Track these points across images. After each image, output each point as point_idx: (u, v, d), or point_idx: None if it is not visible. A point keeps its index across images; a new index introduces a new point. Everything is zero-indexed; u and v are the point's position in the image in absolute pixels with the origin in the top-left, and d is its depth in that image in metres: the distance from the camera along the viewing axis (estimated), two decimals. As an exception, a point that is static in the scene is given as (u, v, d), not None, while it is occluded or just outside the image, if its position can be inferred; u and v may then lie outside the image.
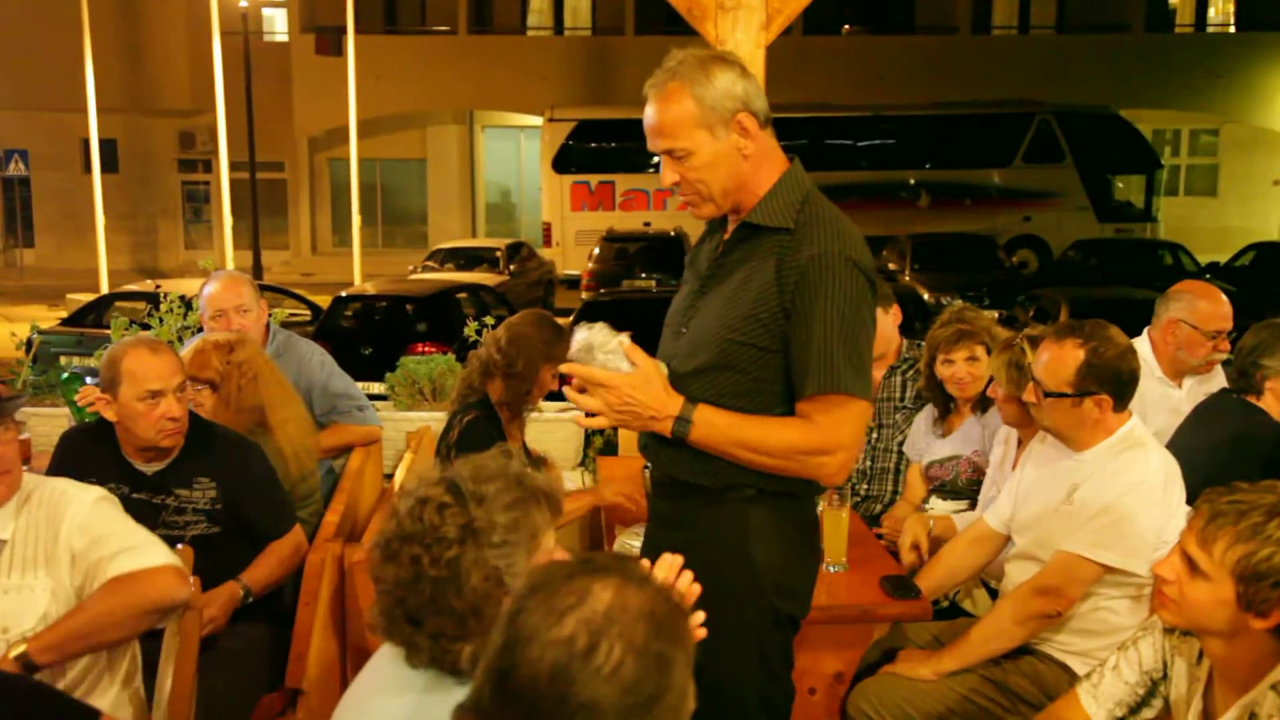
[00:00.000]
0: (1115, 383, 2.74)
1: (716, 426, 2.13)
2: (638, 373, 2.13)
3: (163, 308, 5.38)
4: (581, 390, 2.15)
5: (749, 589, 2.16)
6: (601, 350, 2.13)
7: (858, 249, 2.15)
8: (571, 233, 21.15)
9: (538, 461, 3.60)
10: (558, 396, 6.29)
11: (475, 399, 3.45)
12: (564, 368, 2.16)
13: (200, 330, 4.28)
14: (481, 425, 3.35)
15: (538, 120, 23.42)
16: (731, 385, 2.17)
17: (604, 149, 21.72)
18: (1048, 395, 2.78)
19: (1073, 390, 2.75)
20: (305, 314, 12.91)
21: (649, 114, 2.19)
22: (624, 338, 2.15)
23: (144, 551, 2.30)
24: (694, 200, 2.23)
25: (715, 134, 2.16)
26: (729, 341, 2.15)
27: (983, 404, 3.78)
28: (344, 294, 11.86)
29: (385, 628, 1.62)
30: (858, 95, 22.23)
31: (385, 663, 1.64)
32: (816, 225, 2.15)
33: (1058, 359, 2.77)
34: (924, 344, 4.01)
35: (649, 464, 2.33)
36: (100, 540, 2.30)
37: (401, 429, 4.69)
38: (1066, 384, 2.76)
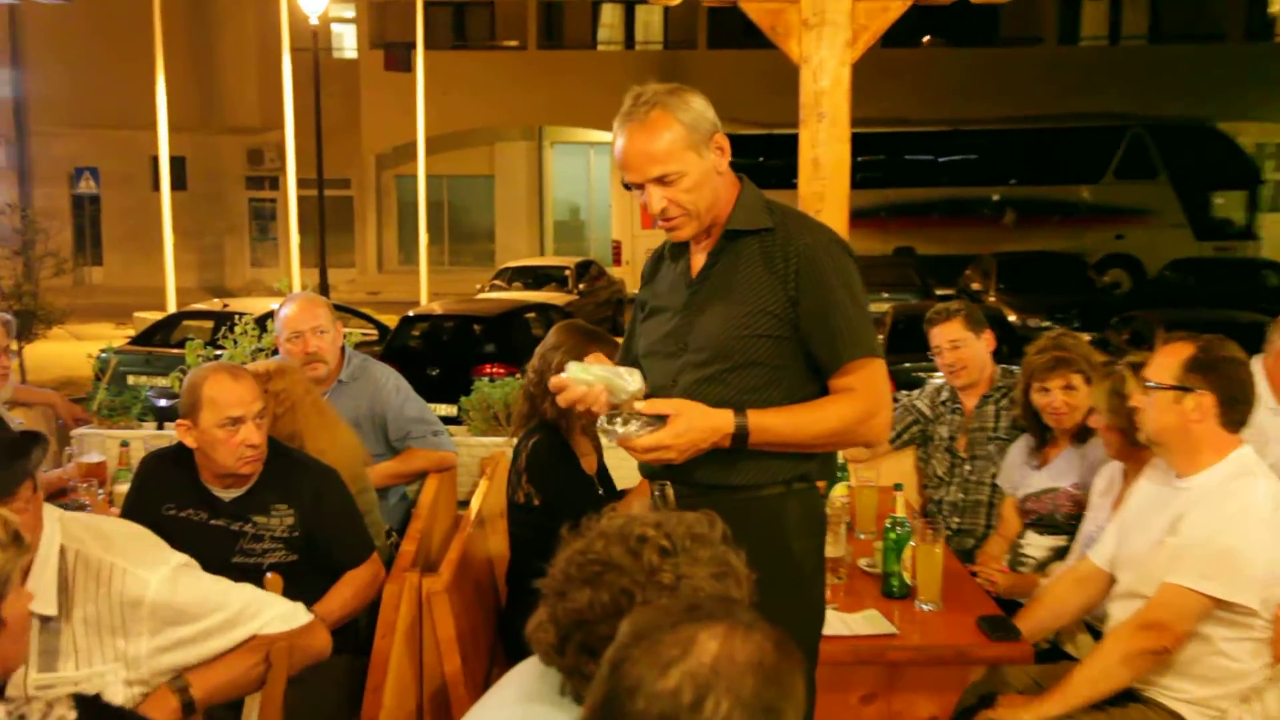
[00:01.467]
0: (1222, 385, 2.69)
1: (770, 425, 2.29)
2: (674, 418, 2.24)
3: (237, 330, 5.49)
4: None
5: (791, 579, 2.31)
6: (623, 418, 2.23)
7: (836, 234, 2.41)
8: (642, 251, 21.20)
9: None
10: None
11: (534, 423, 3.48)
12: (618, 444, 2.28)
13: (275, 352, 4.36)
14: (547, 448, 3.37)
15: (608, 136, 23.35)
16: (754, 379, 2.32)
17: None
18: (1149, 387, 2.75)
19: (1175, 383, 2.70)
20: (372, 333, 13.09)
21: (631, 145, 2.32)
22: (638, 401, 2.24)
23: (272, 608, 2.34)
24: (680, 223, 2.37)
25: (701, 154, 2.33)
26: (744, 338, 2.32)
27: (1082, 434, 3.73)
28: (411, 313, 12.01)
29: (552, 647, 1.61)
30: (939, 109, 22.07)
31: (533, 680, 1.63)
32: (795, 220, 2.38)
33: (1165, 352, 2.77)
34: (1018, 370, 3.96)
35: (664, 481, 2.40)
36: (200, 613, 2.22)
37: (476, 454, 4.73)
38: (1170, 377, 2.72)
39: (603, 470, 3.66)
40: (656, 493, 2.42)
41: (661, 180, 2.32)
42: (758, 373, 2.32)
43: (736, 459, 2.32)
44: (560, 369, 3.40)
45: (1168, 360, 2.75)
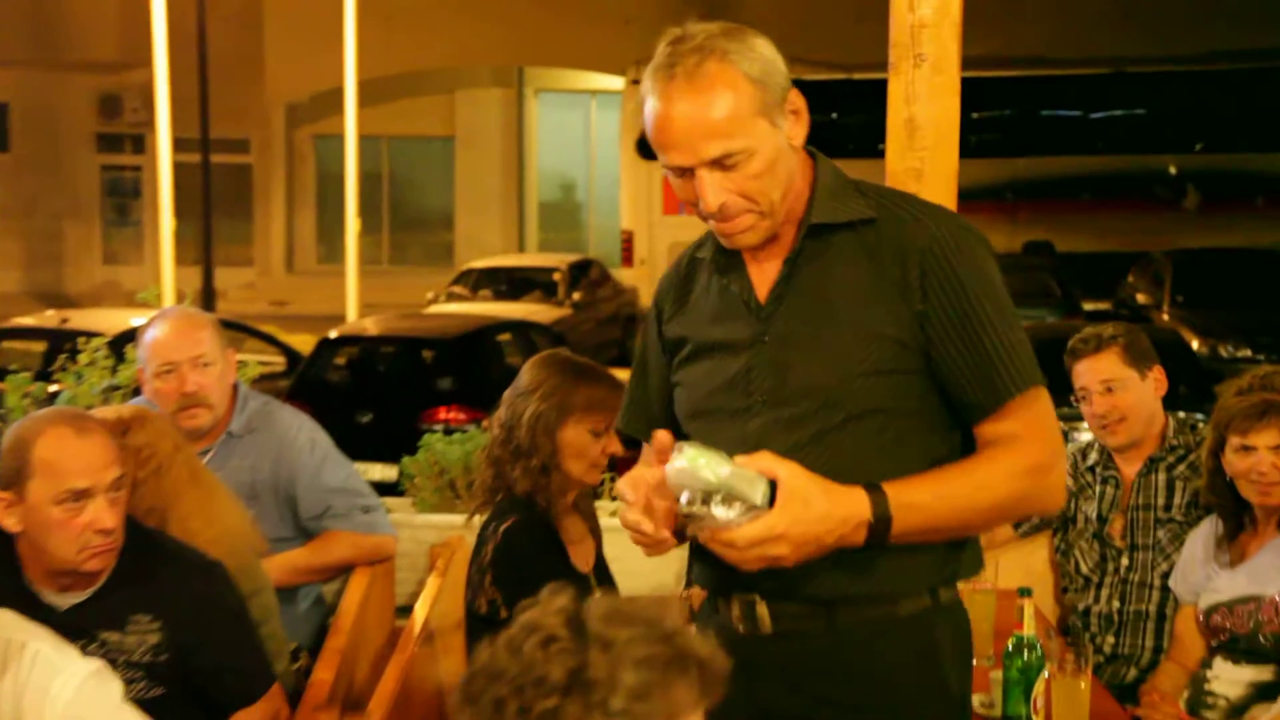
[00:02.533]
0: None
1: (918, 503, 2.28)
2: (786, 496, 2.19)
3: (81, 357, 5.52)
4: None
5: None
6: (721, 491, 2.17)
7: (965, 220, 2.44)
8: (664, 246, 21.24)
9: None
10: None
11: (503, 498, 3.50)
12: (706, 541, 2.23)
13: (137, 392, 4.38)
14: (522, 535, 3.39)
15: (617, 82, 23.69)
16: (874, 436, 2.34)
17: (714, 122, 21.91)
18: None
19: None
20: (277, 362, 13.11)
21: (677, 112, 2.30)
22: (732, 462, 2.18)
23: None
24: (746, 224, 2.35)
25: (775, 122, 2.33)
26: (860, 377, 2.33)
27: (1298, 518, 3.73)
28: (333, 334, 12.03)
29: None
30: (1089, 44, 22.10)
31: None
32: (905, 205, 2.41)
33: None
34: (1207, 423, 3.96)
35: (750, 596, 2.37)
36: None
37: (423, 540, 4.74)
38: None
39: (602, 566, 3.67)
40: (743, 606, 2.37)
41: (721, 163, 2.30)
42: (878, 425, 2.34)
43: (865, 556, 2.30)
44: (546, 421, 3.43)
45: None
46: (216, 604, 3.09)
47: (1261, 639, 3.67)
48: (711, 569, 2.39)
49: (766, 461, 2.20)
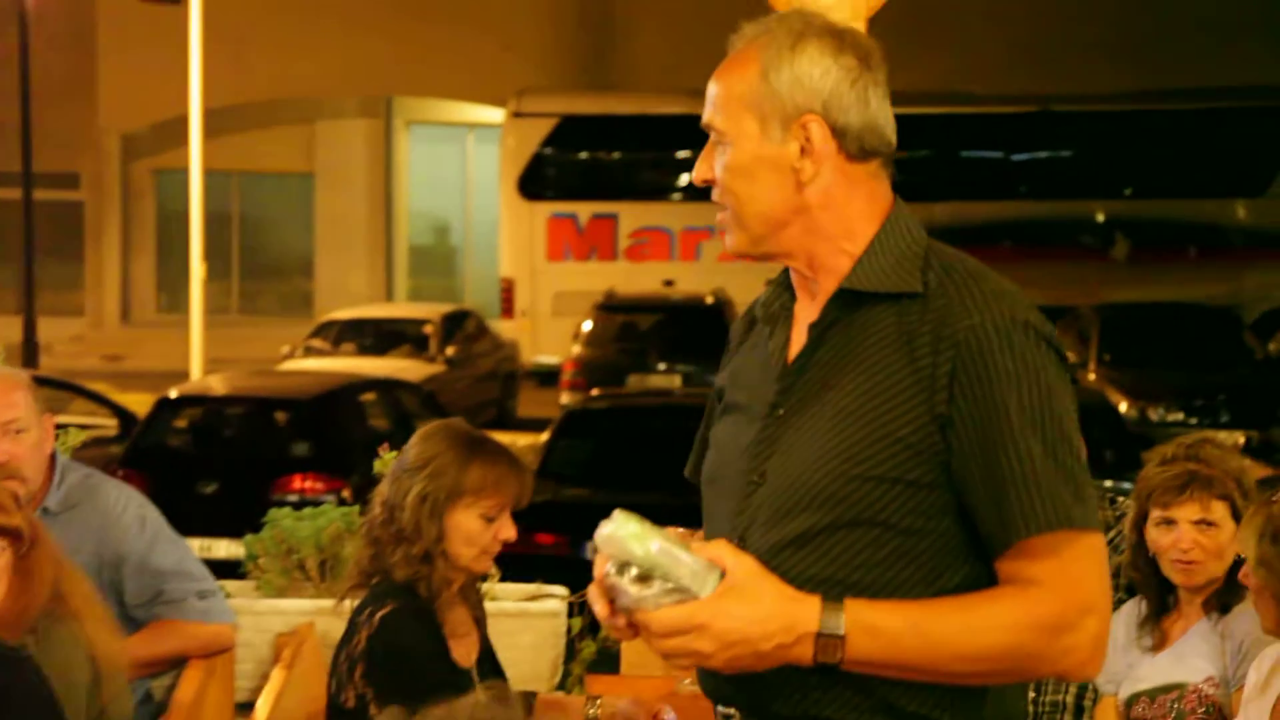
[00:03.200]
0: None
1: (885, 629, 2.16)
2: (729, 585, 2.13)
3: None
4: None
5: None
6: (644, 567, 2.12)
7: (1029, 310, 2.28)
8: (548, 296, 21.31)
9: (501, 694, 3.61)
10: (521, 570, 6.26)
11: (383, 584, 3.48)
12: (623, 622, 2.17)
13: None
14: (399, 626, 3.36)
15: (496, 114, 23.70)
16: (869, 551, 2.22)
17: (602, 162, 22.00)
18: None
19: None
20: (107, 425, 12.96)
21: (716, 70, 2.38)
22: (671, 532, 2.16)
23: None
24: (723, 221, 2.38)
25: (766, 131, 2.30)
26: (857, 480, 2.22)
27: (1222, 600, 3.79)
28: (173, 393, 11.93)
29: None
30: (1013, 79, 22.51)
31: None
32: (962, 284, 2.27)
33: None
34: (1126, 495, 4.02)
35: (730, 708, 2.33)
36: None
37: (268, 629, 4.70)
38: None
39: (489, 659, 3.67)
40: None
41: (711, 133, 2.36)
42: (872, 538, 2.23)
43: (862, 679, 2.20)
44: (433, 503, 3.40)
45: None
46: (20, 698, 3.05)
47: (1185, 732, 3.75)
48: (705, 674, 2.35)
49: (718, 550, 2.15)
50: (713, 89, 2.34)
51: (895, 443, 2.21)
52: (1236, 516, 3.72)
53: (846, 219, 2.32)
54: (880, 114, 2.32)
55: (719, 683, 2.31)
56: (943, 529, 2.23)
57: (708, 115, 2.34)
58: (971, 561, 2.24)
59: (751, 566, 2.14)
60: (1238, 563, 3.72)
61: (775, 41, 2.30)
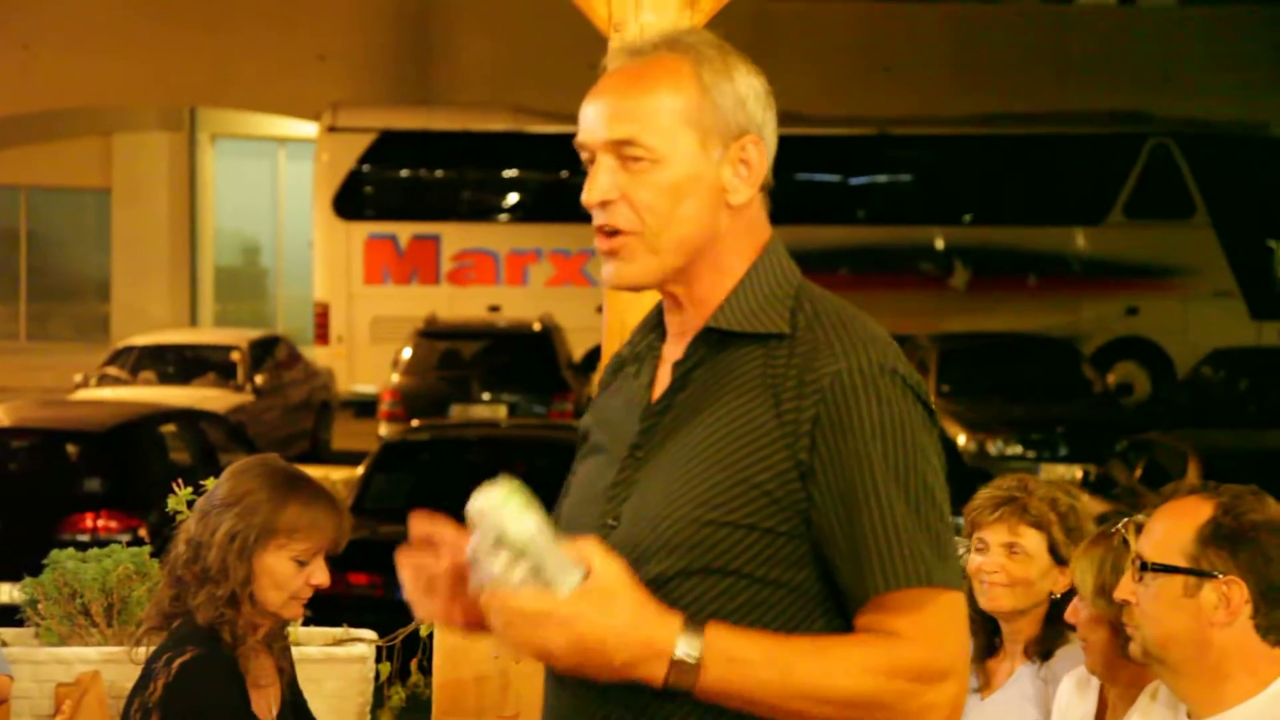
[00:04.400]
0: (1258, 568, 2.81)
1: (743, 659, 2.16)
2: (594, 582, 2.14)
3: None
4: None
5: None
6: (519, 544, 2.11)
7: (898, 358, 2.29)
8: (365, 321, 21.19)
9: None
10: (332, 611, 6.18)
11: (184, 626, 3.43)
12: (485, 602, 2.15)
13: None
14: (205, 673, 3.33)
15: (309, 128, 23.54)
16: (723, 600, 2.22)
17: (422, 181, 21.97)
18: (1146, 569, 2.87)
19: (1187, 563, 2.84)
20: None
21: (606, 84, 2.33)
22: (549, 529, 2.17)
23: None
24: (623, 247, 2.31)
25: (706, 149, 2.30)
26: (712, 525, 2.22)
27: (1042, 647, 3.85)
28: (-48, 425, 11.74)
29: None
30: (851, 101, 22.90)
31: None
32: (830, 328, 2.28)
33: (1173, 516, 2.89)
34: (960, 534, 4.07)
35: None
36: None
37: (47, 679, 4.59)
38: (1179, 554, 2.85)
39: (292, 712, 3.64)
40: None
41: (621, 151, 2.29)
42: (724, 588, 2.23)
43: (681, 713, 2.21)
44: (242, 542, 3.35)
45: (1174, 530, 2.87)
46: None
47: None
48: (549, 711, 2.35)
49: (588, 549, 2.15)
50: (623, 102, 2.29)
51: (753, 489, 2.21)
52: (1054, 553, 3.80)
53: (733, 250, 2.35)
54: (774, 140, 2.38)
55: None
56: (799, 580, 2.23)
57: (621, 130, 2.28)
58: (830, 615, 2.25)
59: (618, 572, 2.14)
60: (1054, 606, 3.80)
61: (704, 56, 2.30)
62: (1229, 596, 2.82)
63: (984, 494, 3.93)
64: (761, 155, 2.33)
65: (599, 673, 2.16)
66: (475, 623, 2.30)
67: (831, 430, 2.20)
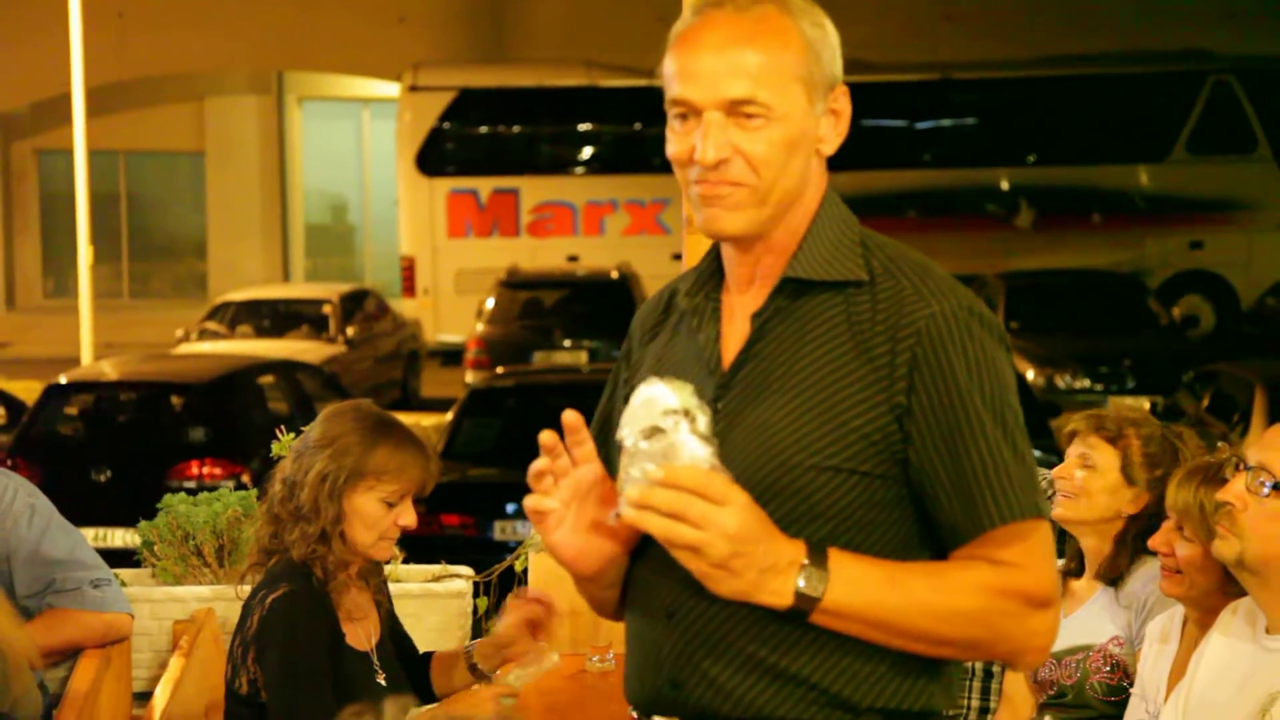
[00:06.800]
0: None
1: (865, 578, 2.18)
2: (743, 498, 2.13)
3: None
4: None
5: None
6: (689, 431, 2.08)
7: (981, 303, 2.31)
8: (449, 274, 21.25)
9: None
10: (427, 551, 6.22)
11: (280, 564, 3.49)
12: (626, 494, 2.10)
13: None
14: (291, 608, 3.38)
15: (391, 89, 23.58)
16: (824, 543, 2.20)
17: (501, 136, 21.96)
18: (1271, 487, 2.90)
19: None
20: (-5, 415, 12.87)
21: (711, 38, 2.25)
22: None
23: None
24: (737, 203, 2.27)
25: (812, 103, 2.28)
26: (813, 471, 2.22)
27: (1114, 566, 3.90)
28: (64, 379, 11.86)
29: None
30: (914, 47, 22.72)
31: None
32: (910, 273, 2.29)
33: None
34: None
35: (672, 715, 2.30)
36: None
37: (165, 616, 4.68)
38: None
39: (390, 643, 3.68)
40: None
41: (739, 110, 2.23)
42: (826, 532, 2.22)
43: (799, 648, 2.21)
44: (333, 483, 3.39)
45: None
46: None
47: (1088, 689, 3.83)
48: (636, 680, 2.34)
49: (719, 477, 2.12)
50: (739, 59, 2.22)
51: (851, 433, 2.22)
52: (1125, 473, 3.84)
53: (814, 198, 2.34)
54: None
55: (657, 690, 2.30)
56: (900, 520, 2.25)
57: (740, 88, 2.22)
58: (924, 554, 2.26)
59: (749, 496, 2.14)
60: (1127, 528, 3.84)
61: (803, 10, 2.28)
62: None
63: (1078, 415, 4.05)
64: (848, 105, 2.32)
65: (735, 578, 2.12)
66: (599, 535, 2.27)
67: (930, 373, 2.21)
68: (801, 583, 2.14)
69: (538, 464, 2.25)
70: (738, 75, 2.22)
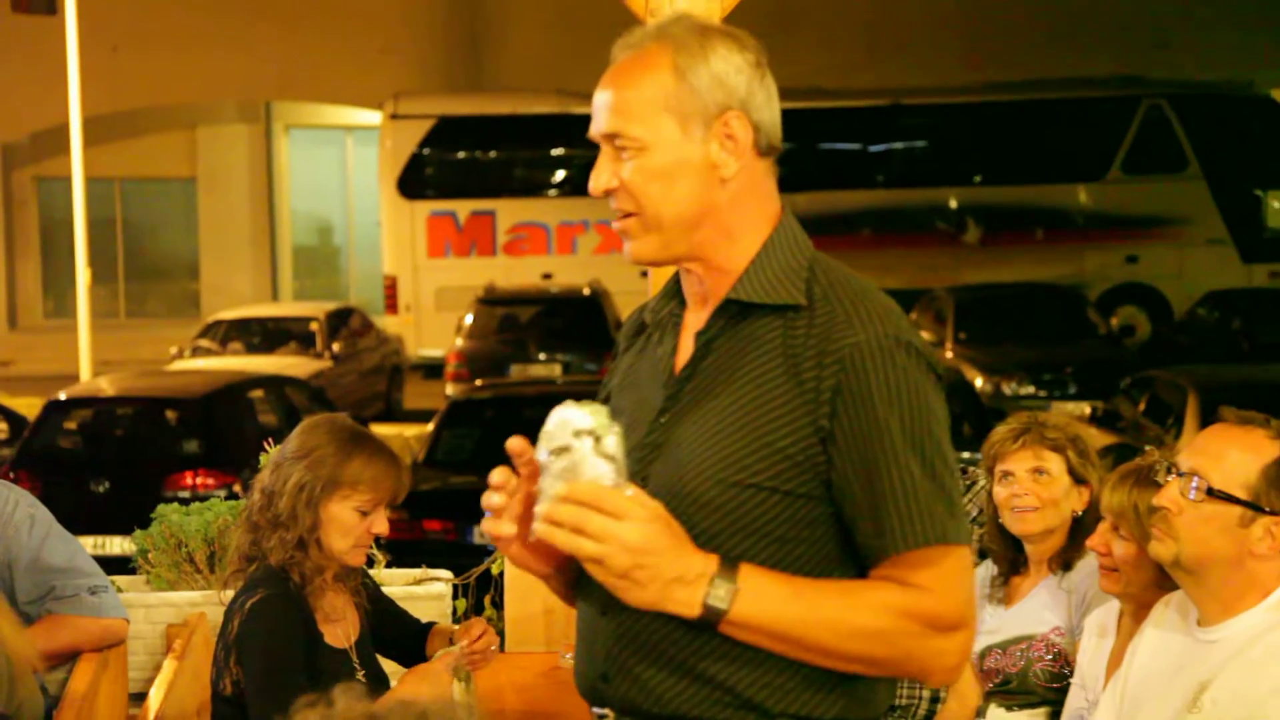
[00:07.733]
0: None
1: (772, 593, 2.16)
2: (654, 508, 2.13)
3: None
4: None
5: None
6: (593, 451, 2.08)
7: (910, 329, 2.28)
8: (430, 291, 21.24)
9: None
10: (408, 555, 6.21)
11: (260, 570, 3.50)
12: (540, 505, 2.11)
13: None
14: (268, 611, 3.39)
15: (373, 117, 23.55)
16: (744, 558, 2.20)
17: (478, 161, 21.98)
18: (1211, 494, 2.89)
19: (1249, 496, 2.86)
20: (-2, 429, 12.82)
21: (605, 77, 2.30)
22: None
23: None
24: (630, 227, 2.30)
25: (687, 131, 2.26)
26: (736, 487, 2.21)
27: (1064, 557, 3.91)
28: (63, 396, 11.82)
29: None
30: (868, 74, 22.79)
31: None
32: (845, 300, 2.26)
33: (1241, 448, 2.90)
34: (980, 461, 4.10)
35: (604, 707, 2.32)
36: None
37: (159, 621, 4.68)
38: (1241, 486, 2.87)
39: (369, 643, 3.69)
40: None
41: (611, 142, 2.28)
42: (747, 549, 2.21)
43: (716, 654, 2.20)
44: (309, 492, 3.41)
45: (1241, 462, 2.89)
46: None
47: (1032, 676, 3.84)
48: (579, 672, 2.35)
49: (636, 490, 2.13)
50: (611, 96, 2.27)
51: (775, 453, 2.20)
52: (1072, 474, 3.85)
53: (745, 222, 2.31)
54: (777, 110, 2.34)
55: (592, 683, 2.32)
56: (816, 539, 2.24)
57: (609, 123, 2.27)
58: (845, 572, 2.25)
59: (661, 507, 2.14)
60: (1076, 523, 3.86)
61: (682, 43, 2.26)
62: (1275, 533, 2.87)
63: (1001, 430, 3.97)
64: (746, 127, 2.28)
65: (640, 589, 2.12)
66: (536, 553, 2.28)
67: (852, 399, 2.19)
68: (709, 595, 2.13)
69: (487, 498, 2.25)
70: (608, 111, 2.27)
